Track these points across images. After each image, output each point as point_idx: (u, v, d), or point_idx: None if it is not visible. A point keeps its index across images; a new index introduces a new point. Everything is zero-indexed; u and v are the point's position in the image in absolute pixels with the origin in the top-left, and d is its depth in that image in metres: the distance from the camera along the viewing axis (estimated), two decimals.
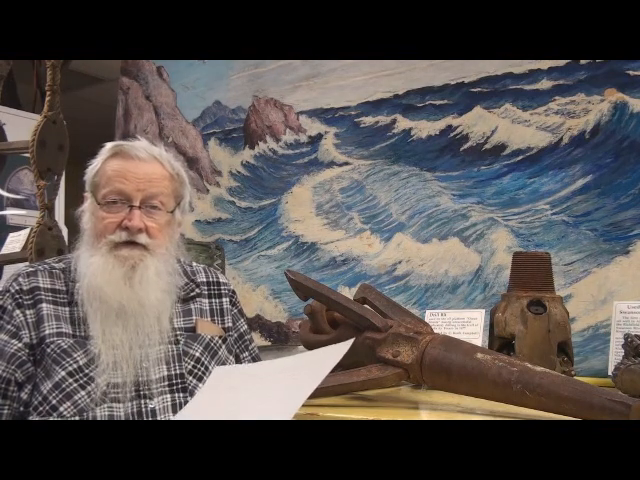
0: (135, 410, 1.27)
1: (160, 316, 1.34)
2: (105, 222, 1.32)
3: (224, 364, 1.41)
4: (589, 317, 2.09)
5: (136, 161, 1.35)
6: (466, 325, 1.82)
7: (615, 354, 1.69)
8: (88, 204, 1.38)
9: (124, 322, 1.30)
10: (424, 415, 1.37)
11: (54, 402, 1.24)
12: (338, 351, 1.10)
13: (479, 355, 1.29)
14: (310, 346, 1.75)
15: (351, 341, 1.12)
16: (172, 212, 1.39)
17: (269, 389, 1.11)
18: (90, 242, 1.34)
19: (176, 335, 1.37)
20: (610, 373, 1.55)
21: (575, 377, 1.45)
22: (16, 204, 3.45)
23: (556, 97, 2.23)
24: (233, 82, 3.02)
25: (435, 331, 1.47)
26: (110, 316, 1.30)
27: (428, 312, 1.91)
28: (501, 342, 1.70)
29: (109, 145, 1.40)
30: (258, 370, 1.27)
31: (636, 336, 1.43)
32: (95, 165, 1.38)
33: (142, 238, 1.32)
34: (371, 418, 1.23)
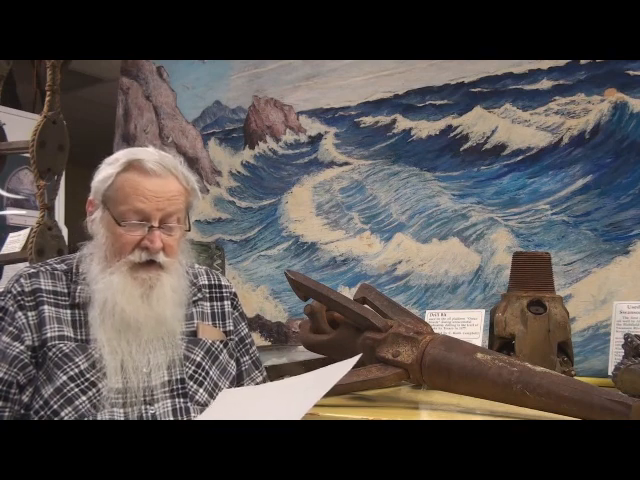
0: (136, 415, 1.27)
1: (173, 329, 1.34)
2: (123, 241, 1.31)
3: (225, 369, 1.41)
4: (589, 317, 2.09)
5: (153, 177, 1.31)
6: (466, 325, 1.82)
7: (615, 354, 1.70)
8: (101, 217, 1.34)
9: (135, 334, 1.30)
10: (424, 415, 1.37)
11: (55, 407, 1.24)
12: (340, 369, 1.10)
13: (479, 355, 1.29)
14: (310, 346, 1.75)
15: (355, 359, 1.12)
16: (188, 230, 1.39)
17: (271, 407, 1.12)
18: (105, 257, 1.33)
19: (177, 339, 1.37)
20: (610, 373, 1.55)
21: (575, 377, 1.45)
22: (16, 204, 3.45)
23: (556, 97, 2.23)
24: (233, 82, 3.01)
25: (435, 331, 1.47)
26: (120, 329, 1.29)
27: (428, 312, 1.92)
28: (501, 342, 1.70)
29: (121, 156, 1.35)
30: (262, 391, 1.28)
31: (636, 336, 1.43)
32: (107, 176, 1.33)
33: (160, 257, 1.32)
34: (371, 418, 1.23)
